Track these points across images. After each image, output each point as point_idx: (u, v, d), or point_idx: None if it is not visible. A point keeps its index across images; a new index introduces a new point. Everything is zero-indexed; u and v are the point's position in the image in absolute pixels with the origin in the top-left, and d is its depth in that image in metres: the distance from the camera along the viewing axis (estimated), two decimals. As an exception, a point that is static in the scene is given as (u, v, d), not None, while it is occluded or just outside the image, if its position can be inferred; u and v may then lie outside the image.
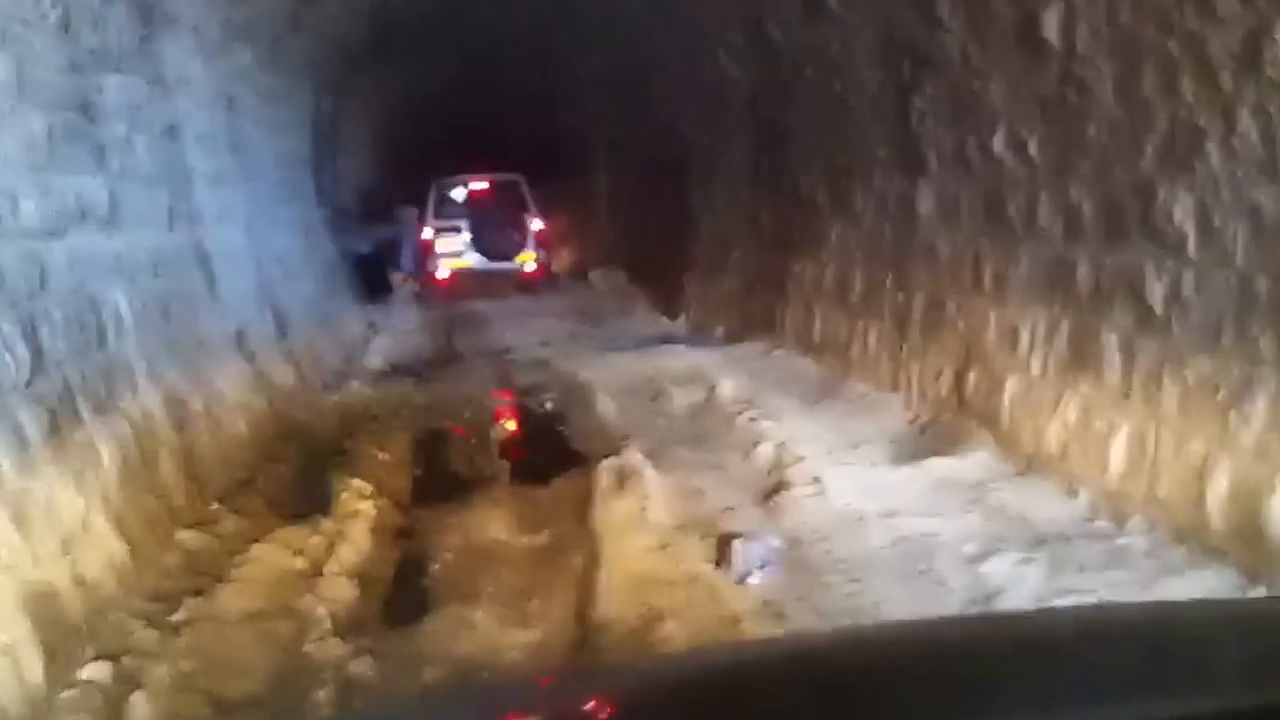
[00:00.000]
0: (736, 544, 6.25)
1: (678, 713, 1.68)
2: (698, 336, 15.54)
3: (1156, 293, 6.26)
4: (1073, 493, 6.83)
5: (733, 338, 14.54)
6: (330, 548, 6.78)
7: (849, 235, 11.33)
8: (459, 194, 23.15)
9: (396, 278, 22.11)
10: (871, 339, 10.50)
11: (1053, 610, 4.40)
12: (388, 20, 18.00)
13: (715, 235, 16.37)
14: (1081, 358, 7.03)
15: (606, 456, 8.31)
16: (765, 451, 8.59)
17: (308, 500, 8.11)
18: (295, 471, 9.16)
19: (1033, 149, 7.58)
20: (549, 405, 11.70)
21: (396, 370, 14.33)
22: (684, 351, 13.61)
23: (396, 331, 18.33)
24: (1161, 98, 6.10)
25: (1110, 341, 6.70)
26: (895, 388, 9.81)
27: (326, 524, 7.26)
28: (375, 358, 15.35)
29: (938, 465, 7.88)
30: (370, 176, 26.87)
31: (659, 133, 18.52)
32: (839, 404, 10.14)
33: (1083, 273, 7.05)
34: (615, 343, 15.17)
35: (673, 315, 17.61)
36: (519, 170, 23.33)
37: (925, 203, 9.45)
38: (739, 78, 14.17)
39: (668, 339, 15.34)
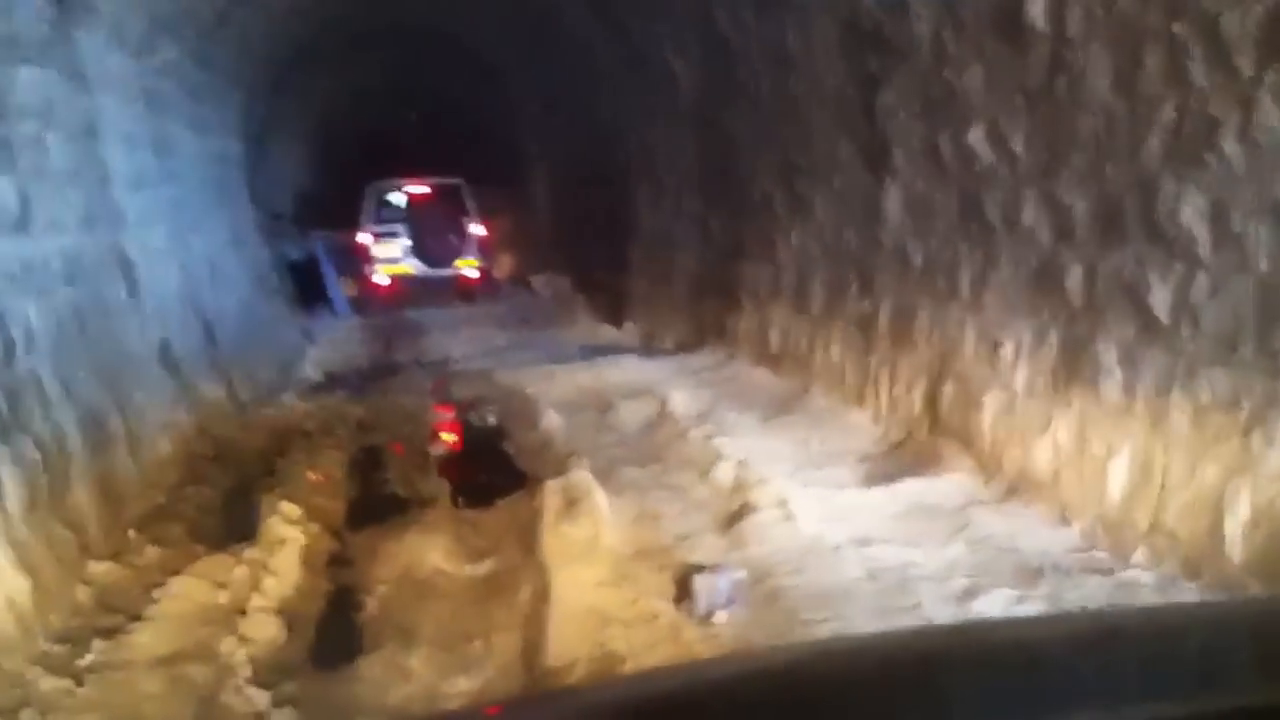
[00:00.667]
0: (699, 578, 5.83)
1: None
2: (647, 346, 15.33)
3: (1161, 300, 5.78)
4: (1064, 520, 6.40)
5: (684, 347, 14.29)
6: (255, 580, 6.57)
7: (808, 239, 10.93)
8: (398, 198, 22.56)
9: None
10: (834, 349, 10.06)
11: (1033, 619, 4.18)
12: (324, 21, 17.67)
13: (664, 241, 16.06)
14: (1074, 371, 6.54)
15: (554, 476, 7.90)
16: (724, 471, 8.13)
17: (233, 526, 7.94)
18: (221, 494, 9.00)
19: (1016, 144, 7.13)
20: (492, 420, 11.27)
21: (332, 382, 14.17)
22: (633, 362, 13.29)
23: (333, 340, 18.22)
24: (1167, 86, 5.66)
25: (1108, 353, 6.22)
26: (861, 402, 9.35)
27: (252, 553, 7.04)
28: (310, 369, 15.14)
29: (912, 488, 7.45)
30: (308, 179, 26.42)
31: (603, 135, 18.23)
32: (801, 419, 9.69)
33: (1074, 278, 6.57)
34: (560, 352, 15.01)
35: (619, 323, 17.42)
36: (460, 174, 22.84)
37: (893, 204, 9.00)
38: (688, 78, 13.82)
39: (615, 349, 15.06)
